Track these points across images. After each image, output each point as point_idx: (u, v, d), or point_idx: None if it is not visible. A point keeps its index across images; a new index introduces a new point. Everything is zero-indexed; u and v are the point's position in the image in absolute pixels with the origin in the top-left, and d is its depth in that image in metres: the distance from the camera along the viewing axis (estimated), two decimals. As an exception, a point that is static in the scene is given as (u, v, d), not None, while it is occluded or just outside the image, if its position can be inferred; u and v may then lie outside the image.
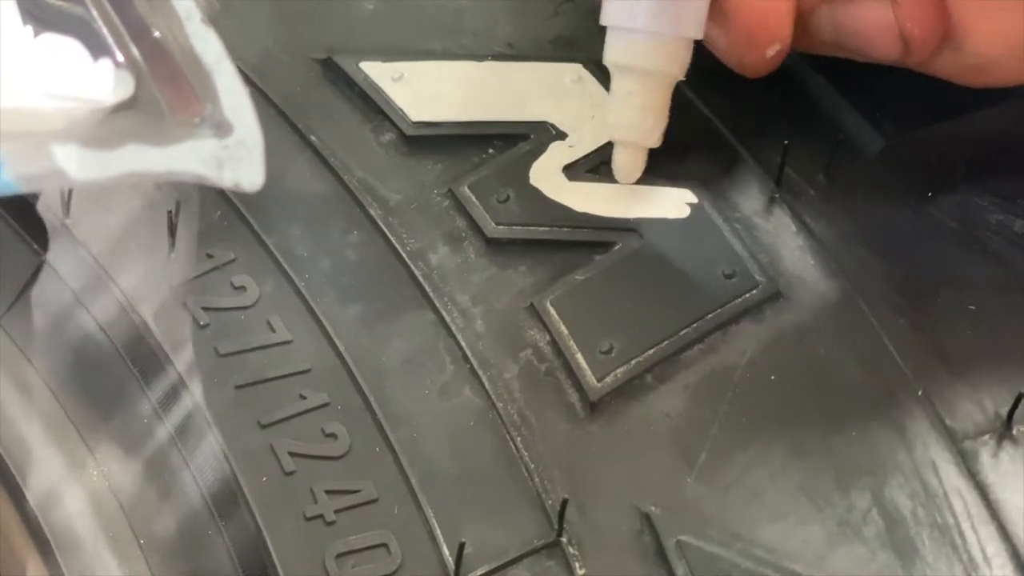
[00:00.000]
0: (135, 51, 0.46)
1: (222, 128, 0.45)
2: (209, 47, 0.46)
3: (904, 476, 0.59)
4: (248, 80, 0.68)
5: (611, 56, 0.64)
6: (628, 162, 0.65)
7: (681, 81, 0.66)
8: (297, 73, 0.69)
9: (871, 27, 0.62)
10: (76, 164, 0.41)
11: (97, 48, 0.46)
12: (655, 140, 0.64)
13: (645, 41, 0.62)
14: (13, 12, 0.46)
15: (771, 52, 0.64)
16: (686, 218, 0.64)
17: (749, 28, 0.63)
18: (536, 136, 0.66)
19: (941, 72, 0.65)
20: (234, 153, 0.45)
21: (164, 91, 0.46)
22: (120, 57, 0.46)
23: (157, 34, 0.46)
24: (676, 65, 0.63)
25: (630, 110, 0.64)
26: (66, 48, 0.46)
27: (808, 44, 0.65)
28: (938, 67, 0.64)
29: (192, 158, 0.44)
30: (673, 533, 0.57)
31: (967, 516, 0.58)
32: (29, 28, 0.46)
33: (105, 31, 0.46)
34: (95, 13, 0.46)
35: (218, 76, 0.45)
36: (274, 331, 0.62)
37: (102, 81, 0.45)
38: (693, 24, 0.63)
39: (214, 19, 0.49)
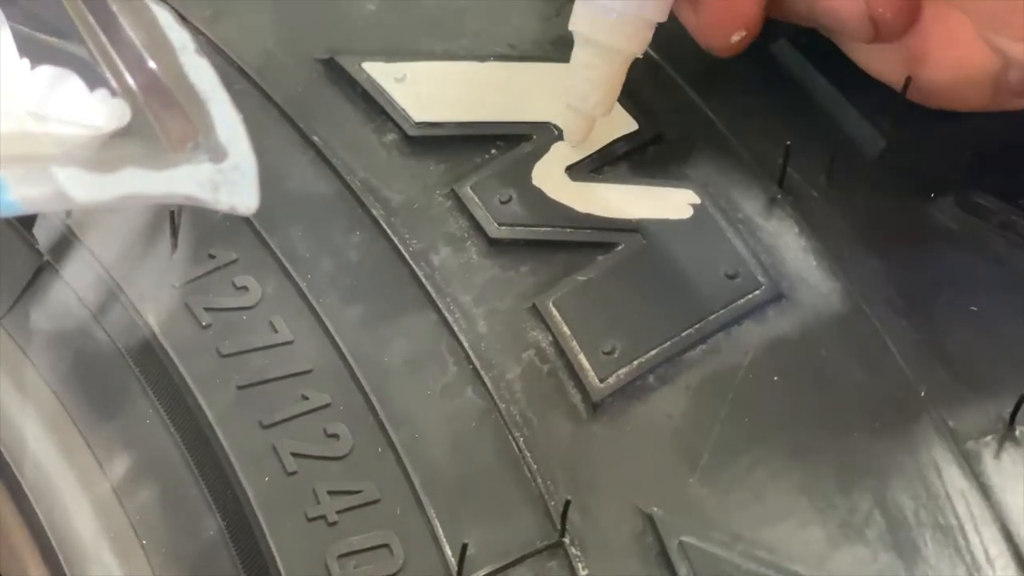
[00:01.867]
0: (130, 81, 0.47)
1: (217, 153, 0.46)
2: (203, 76, 0.47)
3: (906, 477, 0.59)
4: (250, 80, 0.68)
5: (576, 24, 0.64)
6: (574, 126, 0.66)
7: (683, 81, 0.66)
8: (299, 73, 0.69)
9: (842, 7, 0.63)
10: (77, 186, 0.43)
11: (93, 79, 0.47)
12: (603, 112, 0.65)
13: (610, 17, 0.63)
14: (10, 45, 0.48)
15: (736, 38, 0.65)
16: (688, 219, 0.64)
17: (716, 15, 0.65)
18: (538, 136, 0.66)
19: (888, 81, 0.66)
20: (229, 177, 0.46)
21: (160, 119, 0.47)
22: (116, 87, 0.47)
23: (152, 65, 0.47)
24: (635, 44, 0.64)
25: (584, 81, 0.64)
26: (62, 79, 0.47)
27: (783, 15, 0.66)
28: (886, 76, 0.66)
29: (189, 182, 0.45)
30: (675, 534, 0.57)
31: (969, 517, 0.58)
32: (25, 61, 0.47)
33: (101, 62, 0.47)
34: (91, 45, 0.47)
35: (212, 104, 0.47)
36: (276, 331, 0.62)
37: (98, 110, 0.47)
38: (658, 8, 0.63)
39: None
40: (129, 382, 0.63)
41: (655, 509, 0.58)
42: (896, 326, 0.62)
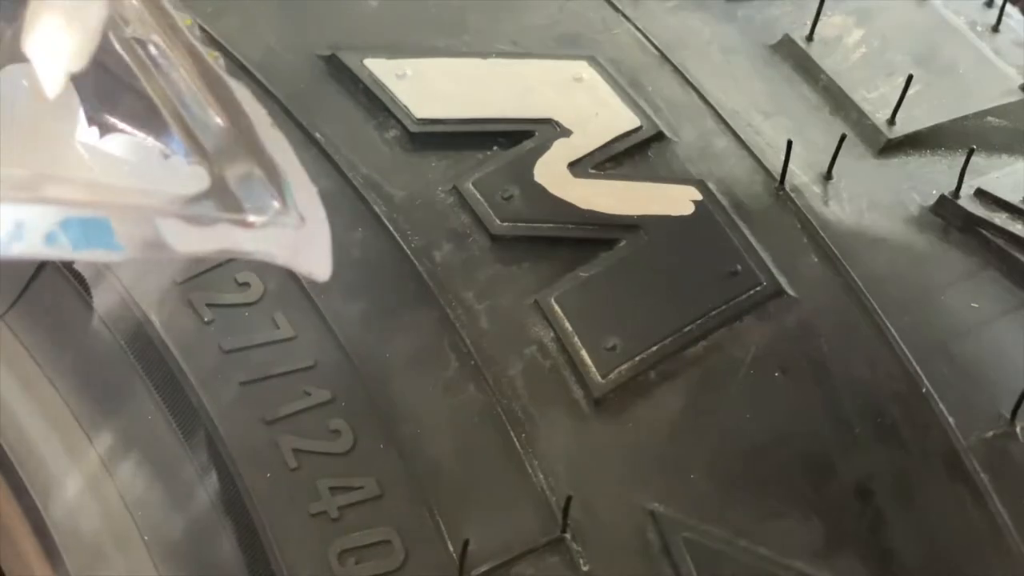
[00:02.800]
0: (210, 152, 0.49)
1: (296, 220, 0.47)
2: (280, 149, 0.48)
3: (907, 473, 0.59)
4: (252, 77, 0.68)
5: None
6: None
7: (685, 79, 0.66)
8: (302, 70, 0.69)
9: None
10: (178, 237, 0.45)
11: (169, 147, 0.49)
12: None
13: None
14: (78, 114, 0.49)
15: None
16: (690, 216, 0.64)
17: None
18: (541, 133, 0.66)
19: None
20: (306, 242, 0.48)
21: (239, 187, 0.48)
22: (193, 155, 0.49)
23: (232, 136, 0.49)
24: None
25: None
26: (134, 145, 0.49)
27: None
28: None
29: (273, 242, 0.47)
30: (678, 530, 0.57)
31: (970, 512, 0.58)
32: (95, 129, 0.49)
33: (179, 133, 0.49)
34: (168, 116, 0.49)
35: (290, 174, 0.48)
36: (278, 327, 0.62)
37: (174, 175, 0.48)
38: None
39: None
40: (131, 378, 0.63)
41: (657, 505, 0.58)
42: (897, 323, 0.62)
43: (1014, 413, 0.60)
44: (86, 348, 0.64)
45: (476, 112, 0.67)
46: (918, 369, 0.61)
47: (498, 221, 0.64)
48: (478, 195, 0.65)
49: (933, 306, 0.63)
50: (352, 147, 0.67)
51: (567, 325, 0.61)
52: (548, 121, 0.67)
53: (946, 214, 0.66)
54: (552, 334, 0.61)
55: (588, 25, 0.70)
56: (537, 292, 0.62)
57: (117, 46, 0.51)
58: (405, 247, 0.64)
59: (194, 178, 0.49)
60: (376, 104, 0.68)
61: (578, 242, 0.64)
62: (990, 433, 0.60)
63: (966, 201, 0.66)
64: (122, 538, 0.60)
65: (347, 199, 0.65)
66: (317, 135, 0.67)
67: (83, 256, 0.45)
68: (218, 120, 0.50)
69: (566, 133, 0.66)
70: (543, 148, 0.66)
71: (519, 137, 0.66)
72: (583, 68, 0.68)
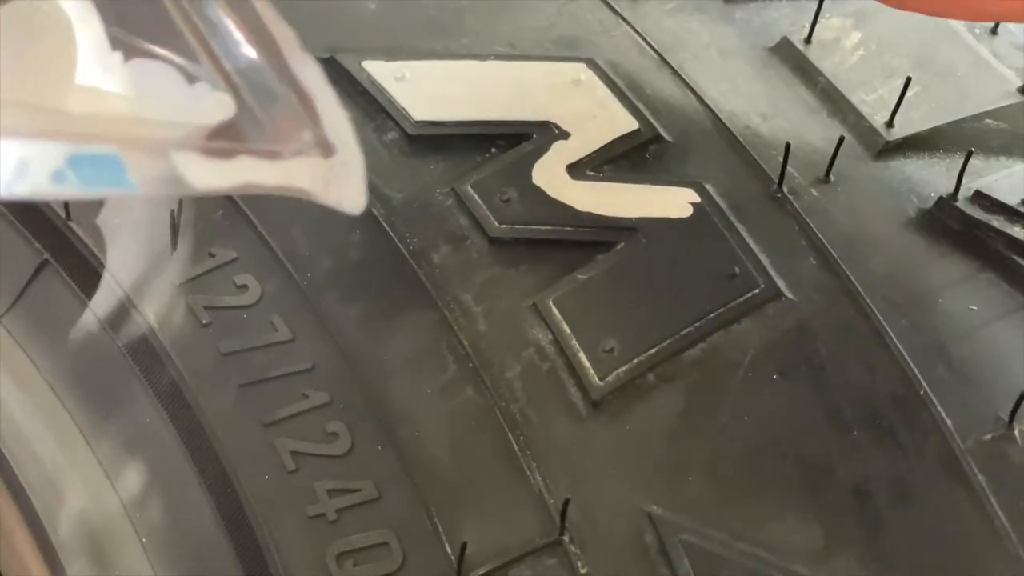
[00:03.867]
0: (235, 75, 0.46)
1: (326, 149, 0.45)
2: (309, 72, 0.46)
3: (906, 475, 0.59)
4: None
5: None
6: None
7: (683, 81, 0.66)
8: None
9: None
10: (195, 172, 0.42)
11: (193, 74, 0.47)
12: None
13: None
14: (101, 38, 0.47)
15: None
16: (688, 218, 0.64)
17: None
18: (539, 135, 0.66)
19: None
20: (338, 173, 0.45)
21: (267, 112, 0.46)
22: (219, 81, 0.46)
23: (257, 59, 0.46)
24: None
25: None
26: (157, 72, 0.47)
27: None
28: None
29: (300, 175, 0.44)
30: (675, 532, 0.57)
31: (969, 515, 0.58)
32: (118, 54, 0.47)
33: (203, 57, 0.47)
34: (192, 40, 0.47)
35: (319, 100, 0.46)
36: (276, 330, 0.62)
37: (197, 103, 0.46)
38: None
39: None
40: (129, 380, 0.63)
41: (655, 507, 0.58)
42: (896, 325, 0.62)
43: (1012, 415, 0.60)
44: (84, 350, 0.64)
45: (474, 114, 0.67)
46: (916, 372, 0.61)
47: (496, 223, 0.64)
48: (476, 197, 0.65)
49: (931, 309, 0.63)
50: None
51: (565, 327, 0.61)
52: (546, 123, 0.67)
53: (944, 216, 0.66)
54: (550, 336, 0.61)
55: (586, 27, 0.70)
56: (535, 294, 0.62)
57: None
58: (403, 249, 0.64)
59: (219, 105, 0.46)
60: (374, 106, 0.68)
61: (576, 244, 0.64)
62: (988, 435, 0.60)
63: (964, 204, 0.66)
64: (120, 540, 0.60)
65: (345, 201, 0.65)
66: (315, 137, 0.67)
67: (93, 194, 0.43)
68: (244, 42, 0.48)
69: (564, 135, 0.66)
70: (541, 150, 0.66)
71: (517, 139, 0.66)
72: (581, 70, 0.68)
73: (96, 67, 0.47)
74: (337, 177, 0.45)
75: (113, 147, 0.41)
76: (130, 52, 0.47)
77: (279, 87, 0.45)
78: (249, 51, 0.46)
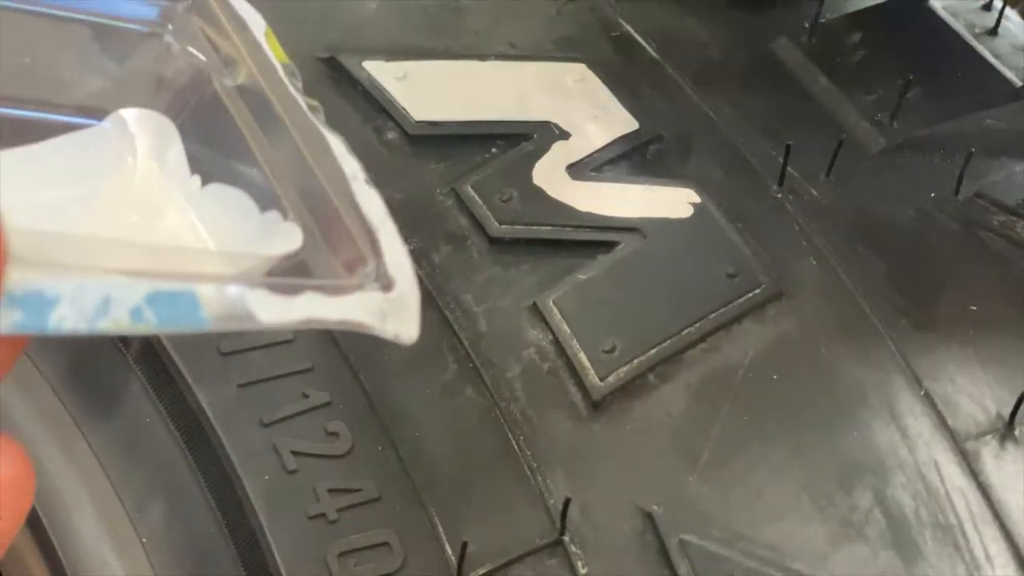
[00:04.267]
0: (305, 209, 0.47)
1: (386, 282, 0.46)
2: (373, 206, 0.47)
3: (906, 476, 0.59)
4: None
5: None
6: None
7: (684, 81, 0.66)
8: (300, 72, 0.69)
9: None
10: (263, 308, 0.43)
11: (265, 201, 0.48)
12: None
13: None
14: (182, 161, 0.48)
15: None
16: (689, 218, 0.64)
17: None
18: (539, 136, 0.66)
19: None
20: (396, 306, 0.46)
21: (333, 246, 0.47)
22: (289, 211, 0.47)
23: (328, 193, 0.47)
24: None
25: None
26: (233, 199, 0.48)
27: None
28: None
29: (360, 309, 0.45)
30: (675, 532, 0.57)
31: (969, 516, 0.58)
32: (196, 178, 0.48)
33: (275, 187, 0.48)
34: (267, 170, 0.48)
35: (382, 233, 0.47)
36: (276, 330, 0.62)
37: (269, 234, 0.47)
38: None
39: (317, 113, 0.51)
40: (129, 380, 0.63)
41: (655, 507, 0.58)
42: (896, 325, 0.62)
43: (1012, 416, 0.60)
44: (84, 350, 0.64)
45: (475, 114, 0.67)
46: (916, 372, 0.61)
47: (496, 223, 0.64)
48: (477, 197, 0.65)
49: (931, 309, 0.63)
50: (351, 149, 0.66)
51: (565, 327, 0.61)
52: (547, 123, 0.67)
53: (944, 217, 0.66)
54: (551, 336, 0.61)
55: (586, 27, 0.70)
56: (536, 294, 0.62)
57: (220, 93, 0.50)
58: (403, 249, 0.64)
59: (289, 236, 0.47)
60: (375, 106, 0.68)
61: (577, 244, 0.64)
62: (989, 436, 0.60)
63: (965, 204, 0.66)
64: (120, 541, 0.60)
65: (346, 201, 0.65)
66: (316, 137, 0.67)
67: (169, 331, 0.43)
68: (313, 174, 0.49)
69: (565, 135, 0.66)
70: (542, 150, 0.66)
71: (518, 139, 0.66)
72: (582, 70, 0.68)
73: (176, 193, 0.48)
74: (395, 311, 0.46)
75: (189, 284, 0.42)
76: (208, 175, 0.48)
77: (344, 219, 0.46)
78: (316, 180, 0.48)
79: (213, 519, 0.59)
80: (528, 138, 0.66)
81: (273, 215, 0.48)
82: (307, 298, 0.43)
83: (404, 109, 0.67)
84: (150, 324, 0.40)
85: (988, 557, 0.57)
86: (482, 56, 0.69)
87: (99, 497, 0.61)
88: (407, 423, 0.60)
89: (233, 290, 0.42)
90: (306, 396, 0.61)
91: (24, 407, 0.63)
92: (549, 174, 0.65)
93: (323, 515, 0.58)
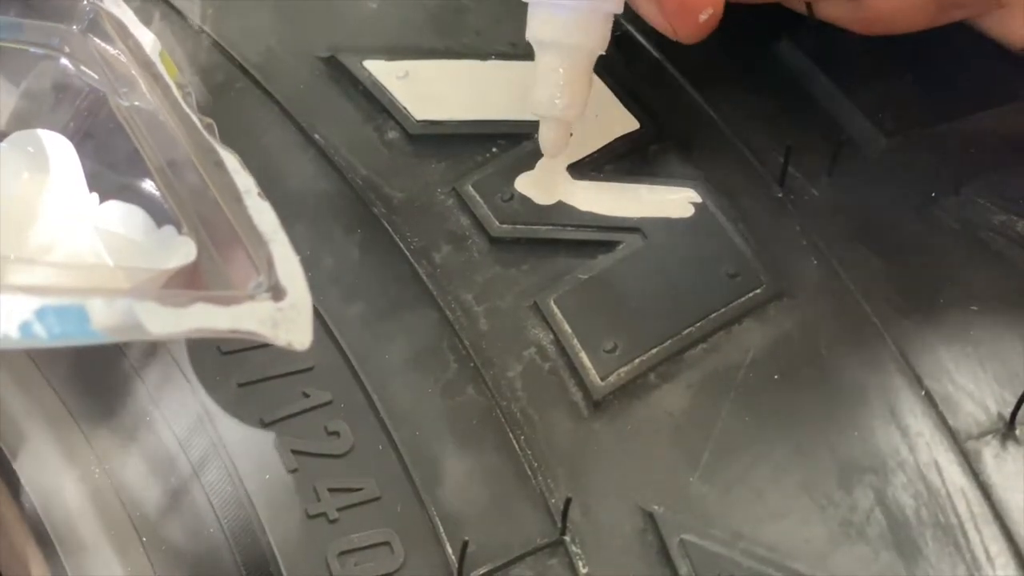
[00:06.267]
0: (199, 223, 0.48)
1: (277, 292, 0.47)
2: (265, 219, 0.48)
3: (907, 476, 0.59)
4: (252, 78, 0.68)
5: (531, 32, 0.64)
6: (551, 137, 0.64)
7: (684, 81, 0.66)
8: (301, 71, 0.69)
9: None
10: (154, 320, 0.44)
11: (161, 216, 0.49)
12: (575, 115, 0.64)
13: (563, 16, 0.62)
14: (80, 181, 0.49)
15: (704, 17, 0.64)
16: (690, 218, 0.65)
17: None
18: (540, 135, 0.66)
19: (833, 19, 0.67)
20: (287, 315, 0.48)
21: (226, 259, 0.48)
22: (184, 226, 0.49)
23: (222, 208, 0.49)
24: (594, 39, 0.63)
25: (550, 86, 0.64)
26: (130, 215, 0.49)
27: None
28: (831, 14, 0.67)
29: (251, 319, 0.47)
30: (676, 532, 0.57)
31: (970, 516, 0.58)
32: (94, 195, 0.48)
33: (170, 201, 0.49)
34: (160, 185, 0.49)
35: (273, 245, 0.48)
36: (277, 329, 0.62)
37: (165, 246, 0.48)
38: None
39: (207, 109, 0.53)
40: (129, 378, 0.63)
41: (656, 507, 0.58)
42: (897, 325, 0.62)
43: (1013, 416, 0.60)
44: (84, 348, 0.64)
45: (476, 114, 0.67)
46: (917, 372, 0.61)
47: (497, 223, 0.64)
48: (477, 197, 0.65)
49: (932, 308, 0.63)
50: (351, 149, 0.67)
51: (566, 327, 0.62)
52: (547, 123, 0.67)
53: (945, 216, 0.66)
54: (551, 336, 0.62)
55: (587, 27, 0.70)
56: (536, 294, 0.62)
57: (116, 112, 0.51)
58: (404, 249, 0.64)
59: (183, 249, 0.48)
60: (375, 106, 0.68)
61: (578, 244, 0.64)
62: (990, 436, 0.60)
63: (965, 204, 0.66)
64: (120, 539, 0.60)
65: (346, 201, 0.65)
66: (316, 137, 0.67)
67: (59, 344, 0.44)
68: (207, 188, 0.50)
69: (566, 135, 0.66)
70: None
71: (519, 139, 0.66)
72: (582, 70, 0.68)
73: (74, 210, 0.49)
74: (287, 319, 0.48)
75: (79, 298, 0.43)
76: (105, 192, 0.50)
77: (238, 231, 0.48)
78: (210, 195, 0.49)
79: (213, 518, 0.59)
80: (529, 138, 0.66)
81: (168, 230, 0.49)
82: (198, 309, 0.45)
83: (405, 108, 0.67)
84: (40, 338, 0.41)
85: (989, 557, 0.57)
86: (483, 55, 0.69)
87: (98, 496, 0.61)
88: (408, 422, 0.60)
89: (122, 303, 0.43)
90: (307, 395, 0.61)
91: (24, 405, 0.63)
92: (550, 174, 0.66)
93: (323, 514, 0.58)
